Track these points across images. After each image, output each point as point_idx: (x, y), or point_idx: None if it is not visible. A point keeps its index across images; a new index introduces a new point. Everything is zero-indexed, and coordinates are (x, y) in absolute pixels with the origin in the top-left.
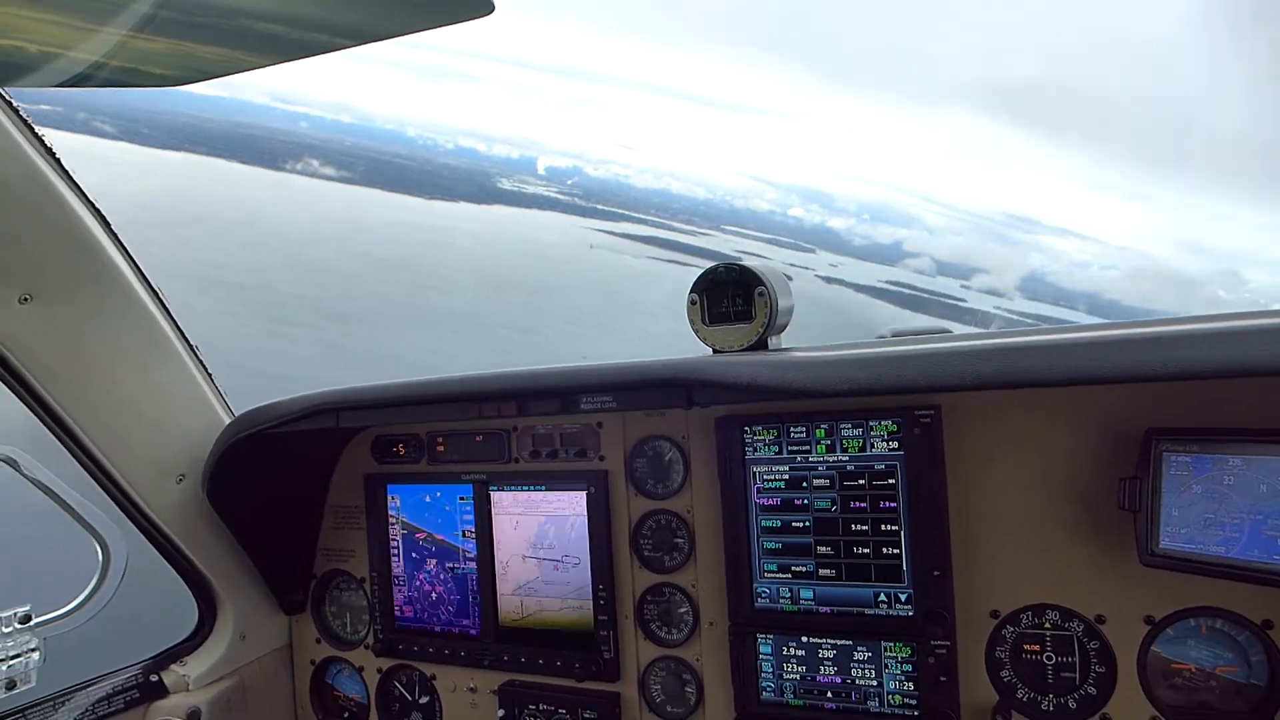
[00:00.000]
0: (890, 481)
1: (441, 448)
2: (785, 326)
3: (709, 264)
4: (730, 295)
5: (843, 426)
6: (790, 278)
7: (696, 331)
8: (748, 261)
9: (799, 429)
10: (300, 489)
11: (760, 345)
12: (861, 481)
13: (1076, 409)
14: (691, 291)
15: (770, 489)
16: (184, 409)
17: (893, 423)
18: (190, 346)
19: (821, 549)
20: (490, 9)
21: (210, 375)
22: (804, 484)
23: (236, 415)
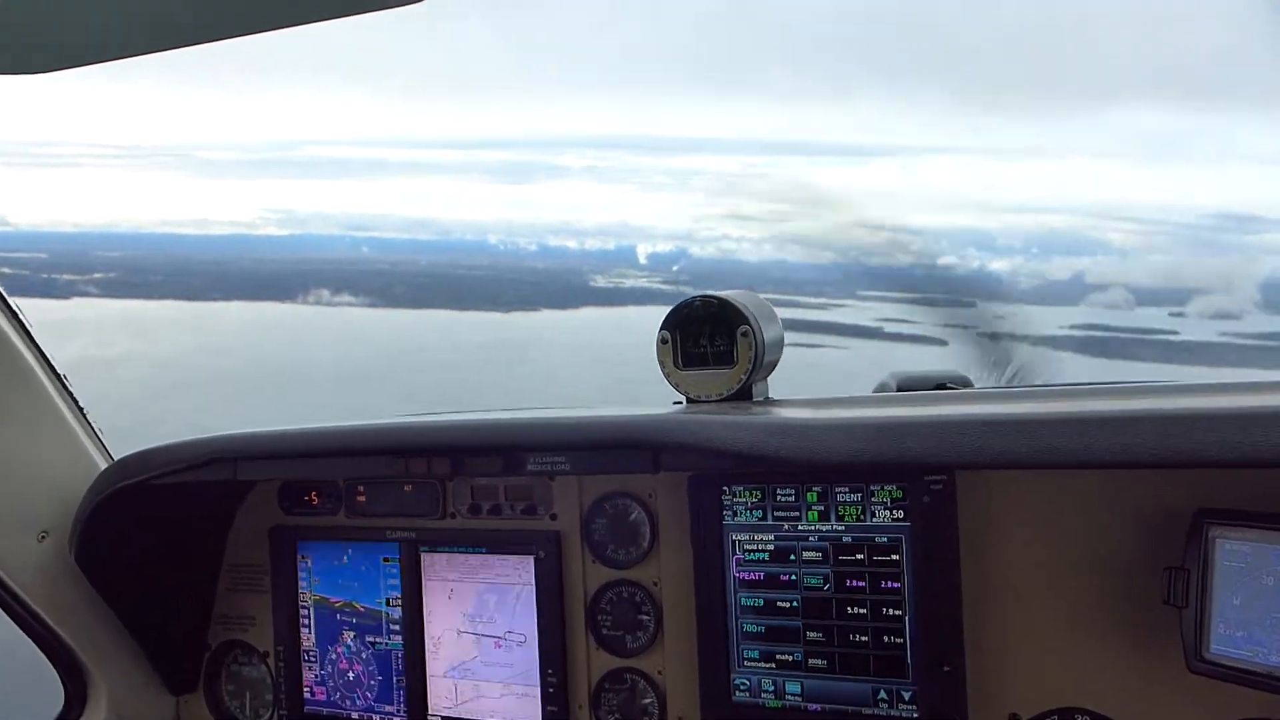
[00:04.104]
0: (894, 557)
1: (363, 497)
2: (774, 366)
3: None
4: (709, 334)
5: (839, 490)
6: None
7: (668, 376)
8: (729, 294)
9: (787, 492)
10: (190, 544)
11: (743, 394)
12: (860, 556)
13: (1115, 481)
14: (662, 328)
15: (752, 561)
16: (48, 454)
17: (898, 488)
18: (59, 379)
19: (811, 634)
20: None
21: (84, 414)
22: (792, 556)
23: (115, 460)
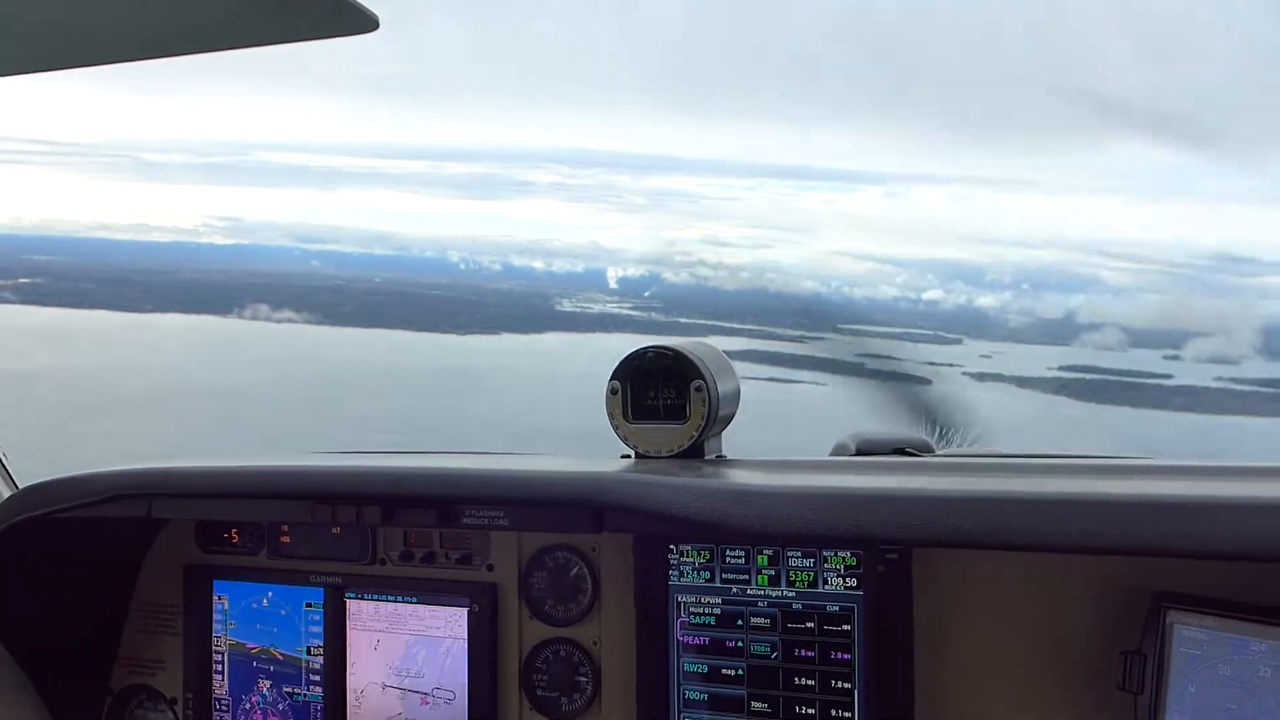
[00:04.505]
0: (845, 627)
1: (287, 538)
2: (729, 421)
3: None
4: (660, 386)
5: (790, 555)
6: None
7: (616, 428)
8: (682, 344)
9: (736, 554)
10: (97, 581)
11: (694, 450)
12: (810, 624)
13: (1075, 559)
14: (612, 379)
15: (698, 625)
16: None
17: (852, 555)
18: None
19: (756, 704)
20: (374, 26)
21: None
22: (739, 622)
23: (19, 489)
